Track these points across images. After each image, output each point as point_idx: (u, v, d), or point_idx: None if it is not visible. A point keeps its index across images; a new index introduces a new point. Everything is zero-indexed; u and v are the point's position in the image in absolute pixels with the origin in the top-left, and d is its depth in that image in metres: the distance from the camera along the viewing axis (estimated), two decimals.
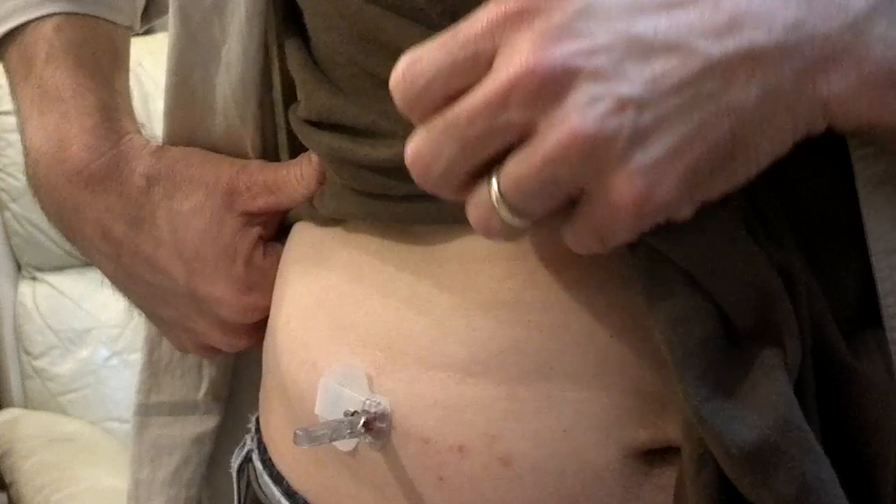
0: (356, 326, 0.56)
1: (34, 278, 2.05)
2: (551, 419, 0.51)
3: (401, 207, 0.54)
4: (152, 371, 0.74)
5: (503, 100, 0.42)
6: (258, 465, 0.64)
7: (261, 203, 0.65)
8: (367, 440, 0.54)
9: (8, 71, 0.70)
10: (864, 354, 0.49)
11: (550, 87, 0.42)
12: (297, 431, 0.53)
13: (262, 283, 0.66)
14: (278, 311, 0.63)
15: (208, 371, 0.74)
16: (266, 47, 0.64)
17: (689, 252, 0.46)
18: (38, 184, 0.68)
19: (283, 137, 0.67)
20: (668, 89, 0.42)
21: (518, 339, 0.52)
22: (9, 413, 1.99)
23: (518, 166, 0.43)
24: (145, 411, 0.74)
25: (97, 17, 0.68)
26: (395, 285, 0.55)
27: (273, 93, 0.66)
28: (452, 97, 0.44)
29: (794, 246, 0.48)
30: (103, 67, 0.68)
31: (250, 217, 0.66)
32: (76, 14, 0.68)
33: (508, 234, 0.45)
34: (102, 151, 0.66)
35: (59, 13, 0.67)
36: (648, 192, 0.42)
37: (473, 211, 0.45)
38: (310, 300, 0.60)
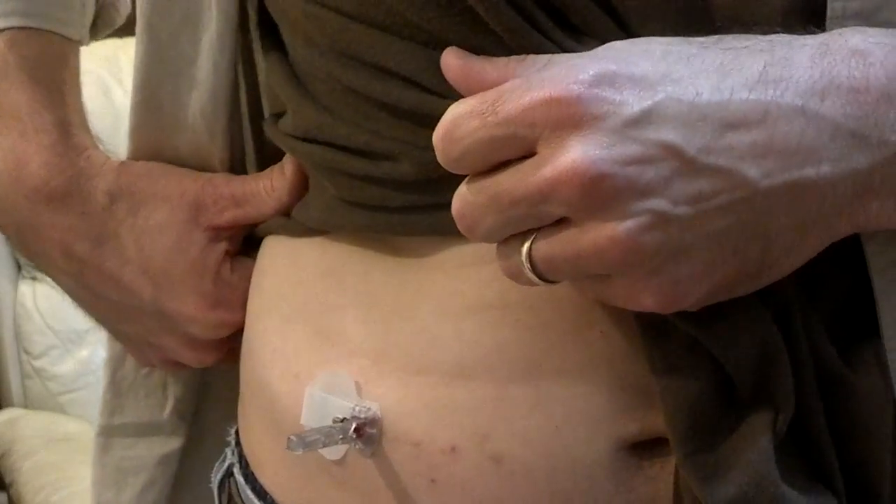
0: (340, 335, 0.56)
1: (34, 278, 2.03)
2: (541, 417, 0.52)
3: (397, 219, 0.54)
4: (115, 392, 0.72)
5: (547, 193, 0.44)
6: (240, 479, 0.63)
7: (228, 217, 0.65)
8: (357, 446, 0.54)
9: None
10: (860, 366, 0.50)
11: (595, 193, 0.43)
12: (291, 437, 0.52)
13: (231, 298, 0.65)
14: (255, 323, 0.62)
15: (173, 390, 0.72)
16: (235, 63, 0.64)
17: (694, 317, 0.47)
18: None
19: (250, 150, 0.67)
20: (711, 211, 0.43)
21: (506, 340, 0.52)
22: (9, 413, 1.99)
23: (551, 247, 0.45)
24: (108, 433, 0.72)
25: (50, 32, 0.67)
26: (379, 293, 0.55)
27: (240, 106, 0.66)
28: (493, 164, 0.46)
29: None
30: (57, 83, 0.67)
31: (217, 232, 0.65)
32: (29, 28, 0.66)
33: (533, 285, 0.47)
34: (62, 168, 0.65)
35: (12, 28, 0.65)
36: (673, 303, 0.45)
37: (504, 262, 0.47)
38: (288, 310, 0.59)
